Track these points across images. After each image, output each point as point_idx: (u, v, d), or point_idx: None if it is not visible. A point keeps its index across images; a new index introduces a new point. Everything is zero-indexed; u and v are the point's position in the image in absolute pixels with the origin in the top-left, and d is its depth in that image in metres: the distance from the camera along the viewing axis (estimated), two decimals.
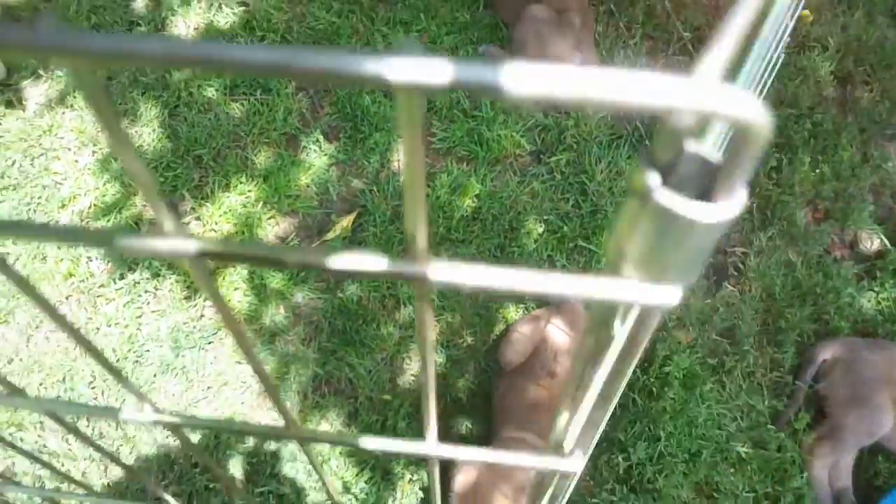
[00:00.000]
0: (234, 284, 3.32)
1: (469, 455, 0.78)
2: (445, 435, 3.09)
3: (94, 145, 3.59)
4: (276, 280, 3.32)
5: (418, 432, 3.09)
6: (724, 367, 3.21)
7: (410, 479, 3.01)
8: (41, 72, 3.74)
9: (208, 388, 3.16)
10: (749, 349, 3.22)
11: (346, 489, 2.98)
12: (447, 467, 2.79)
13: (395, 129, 3.61)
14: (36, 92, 3.74)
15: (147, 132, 3.61)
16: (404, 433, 3.04)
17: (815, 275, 3.34)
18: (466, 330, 3.26)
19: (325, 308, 3.29)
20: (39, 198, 3.47)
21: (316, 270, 0.48)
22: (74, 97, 3.69)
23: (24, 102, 3.70)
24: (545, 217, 3.47)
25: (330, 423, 3.09)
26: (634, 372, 3.17)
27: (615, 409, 3.16)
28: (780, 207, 3.48)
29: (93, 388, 3.16)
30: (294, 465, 3.02)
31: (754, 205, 3.50)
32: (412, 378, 3.19)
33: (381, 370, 3.17)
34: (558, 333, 2.97)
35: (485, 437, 3.04)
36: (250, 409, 3.13)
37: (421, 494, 3.00)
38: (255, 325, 3.24)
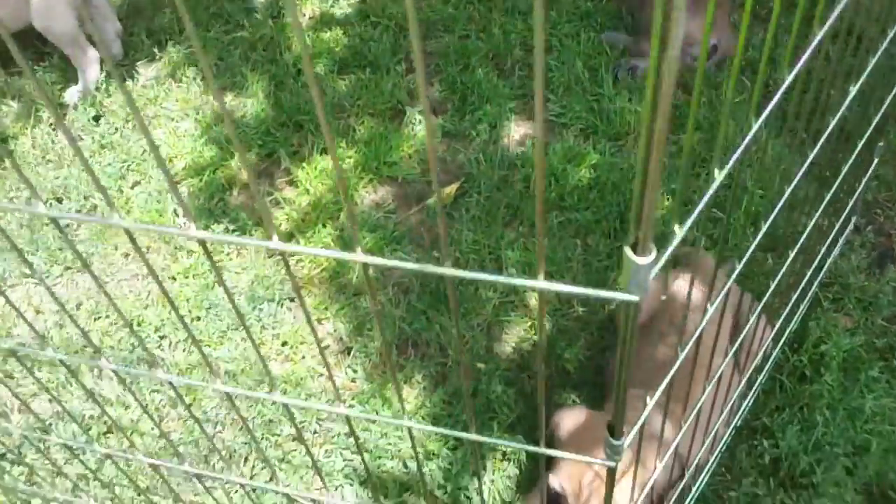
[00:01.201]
0: (324, 241, 3.34)
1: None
2: (549, 406, 2.86)
3: (197, 113, 3.85)
4: (367, 239, 3.33)
5: (515, 399, 2.88)
6: (894, 352, 2.87)
7: (505, 455, 2.77)
8: (156, 50, 4.13)
9: (283, 343, 3.11)
10: None
11: (429, 457, 2.77)
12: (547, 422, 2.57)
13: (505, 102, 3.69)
14: (148, 70, 4.10)
15: (251, 103, 3.85)
16: (499, 400, 2.84)
17: None
18: (577, 299, 3.10)
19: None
20: (136, 158, 3.70)
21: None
22: (185, 73, 4.03)
23: (136, 77, 4.06)
24: (673, 186, 3.37)
25: (413, 387, 2.94)
26: (783, 351, 2.88)
27: (758, 393, 2.86)
28: None
29: (161, 336, 3.17)
30: (369, 427, 2.85)
31: None
32: (510, 347, 3.02)
33: (476, 336, 3.03)
34: (688, 289, 2.77)
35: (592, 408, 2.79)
36: (325, 369, 3.03)
37: (514, 470, 2.75)
38: (340, 281, 3.21)
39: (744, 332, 1.89)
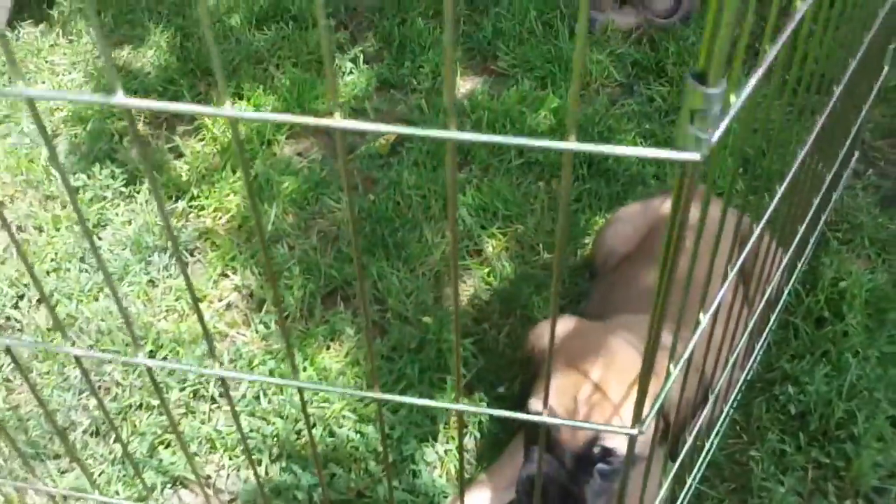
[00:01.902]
0: (232, 187, 2.76)
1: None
2: (514, 354, 2.28)
3: (87, 65, 3.30)
4: (288, 184, 2.76)
5: (474, 354, 2.29)
6: None
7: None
8: (45, 7, 3.60)
9: (177, 298, 2.46)
10: None
11: (363, 420, 2.13)
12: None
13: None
14: (37, 28, 3.56)
15: (151, 53, 3.32)
16: (452, 352, 2.25)
17: None
18: (542, 241, 2.58)
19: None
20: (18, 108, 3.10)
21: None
22: (76, 26, 3.49)
23: (17, 30, 3.50)
24: (643, 130, 2.94)
25: (343, 343, 2.32)
26: (797, 293, 2.39)
27: (769, 343, 2.34)
28: None
29: (19, 295, 2.49)
30: (282, 391, 2.21)
31: None
32: (465, 296, 2.46)
33: (423, 285, 2.45)
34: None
35: None
36: (228, 327, 2.39)
37: (477, 434, 2.13)
38: (252, 229, 2.62)
39: (746, 248, 1.41)
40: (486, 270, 2.51)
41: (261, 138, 2.92)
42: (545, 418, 1.10)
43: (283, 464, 2.03)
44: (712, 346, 1.57)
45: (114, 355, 2.35)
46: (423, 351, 2.26)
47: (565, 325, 1.84)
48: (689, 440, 1.66)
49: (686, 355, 1.26)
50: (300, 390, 1.17)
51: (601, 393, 1.68)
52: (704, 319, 1.31)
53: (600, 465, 1.69)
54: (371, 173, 2.83)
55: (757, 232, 1.44)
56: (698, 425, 1.68)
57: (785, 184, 1.51)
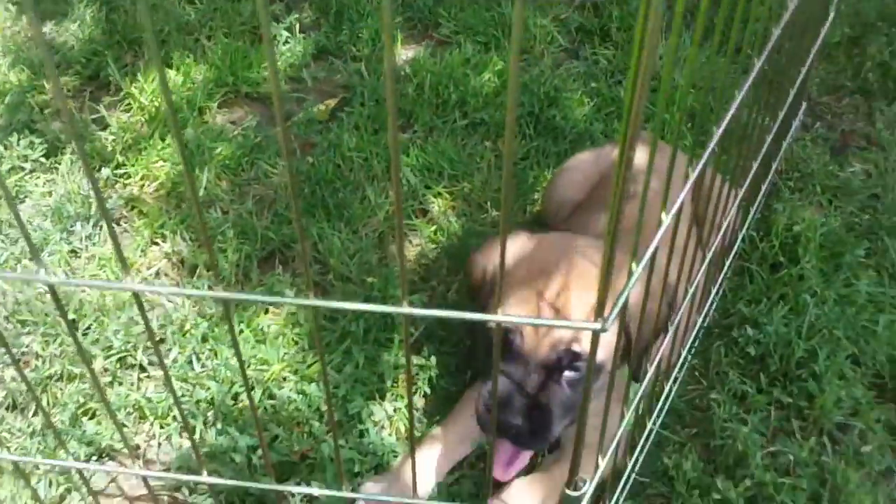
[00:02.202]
0: (160, 155, 2.62)
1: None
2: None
3: (7, 39, 3.13)
4: (221, 148, 2.63)
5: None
6: (878, 231, 2.39)
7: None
8: None
9: (101, 267, 2.31)
10: None
11: (306, 381, 2.00)
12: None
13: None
14: None
15: (74, 27, 3.17)
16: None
17: None
18: (489, 199, 2.49)
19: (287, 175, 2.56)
20: None
21: None
22: None
23: None
24: (589, 89, 2.88)
25: (280, 305, 2.19)
26: (751, 240, 2.34)
27: (724, 291, 2.28)
28: None
29: None
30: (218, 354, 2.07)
31: (870, 75, 2.93)
32: (411, 255, 2.35)
33: (366, 246, 2.34)
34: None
35: None
36: (158, 294, 2.24)
37: (426, 390, 2.02)
38: (182, 194, 2.48)
39: (691, 179, 1.33)
40: (433, 229, 2.41)
41: (192, 106, 2.79)
42: (501, 317, 1.00)
43: (220, 426, 1.89)
44: (669, 283, 1.49)
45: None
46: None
47: (519, 240, 1.75)
48: (651, 369, 1.58)
49: (648, 255, 1.18)
50: (238, 354, 1.08)
51: (565, 297, 1.59)
52: (667, 219, 1.24)
53: (567, 373, 1.60)
54: (310, 138, 2.71)
55: (699, 166, 1.35)
56: (660, 353, 1.59)
57: (724, 122, 1.43)
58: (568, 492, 1.25)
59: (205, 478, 1.37)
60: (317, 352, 2.03)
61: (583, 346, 1.55)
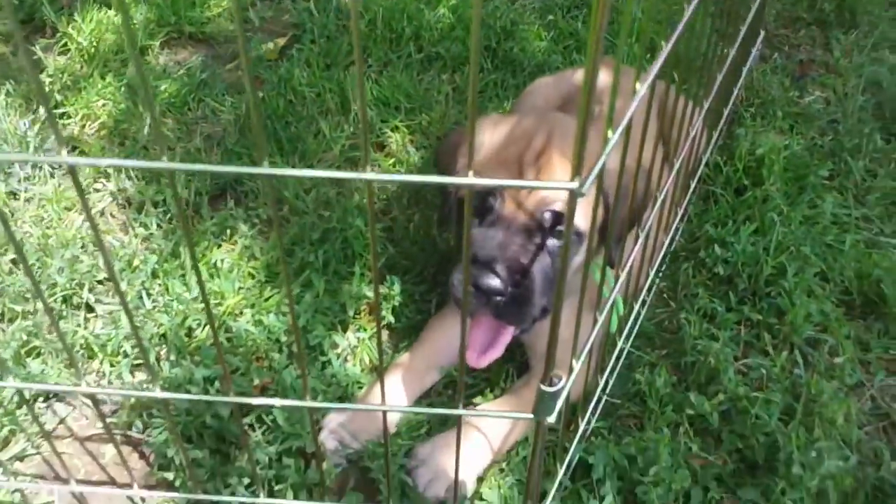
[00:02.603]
0: (101, 93, 2.49)
1: None
2: (425, 241, 2.11)
3: None
4: (165, 86, 2.52)
5: (387, 240, 2.12)
6: (840, 153, 2.38)
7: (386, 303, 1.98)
8: None
9: (41, 206, 2.19)
10: (864, 141, 2.40)
11: (262, 313, 1.92)
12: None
13: None
14: None
15: None
16: (359, 238, 2.07)
17: None
18: (449, 130, 2.42)
19: (237, 112, 2.46)
20: None
21: None
22: None
23: None
24: (546, 22, 2.82)
25: (234, 241, 2.11)
26: (716, 165, 2.31)
27: (689, 215, 2.26)
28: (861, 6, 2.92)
29: None
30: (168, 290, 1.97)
31: (826, 5, 2.93)
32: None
33: (321, 182, 2.25)
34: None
35: None
36: (104, 234, 2.14)
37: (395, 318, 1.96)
38: (126, 132, 2.37)
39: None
40: (391, 162, 2.34)
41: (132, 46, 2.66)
42: (473, 180, 0.94)
43: (174, 358, 1.80)
44: (643, 167, 1.44)
45: None
46: (326, 242, 2.07)
47: (494, 120, 1.69)
48: (624, 270, 1.53)
49: (624, 122, 1.12)
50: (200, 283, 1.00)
51: (546, 158, 1.54)
52: (642, 88, 1.18)
53: (551, 241, 1.54)
54: (259, 74, 2.61)
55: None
56: (634, 252, 1.55)
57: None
58: (543, 387, 1.19)
59: (159, 393, 1.29)
60: (274, 284, 1.96)
61: (563, 205, 1.50)
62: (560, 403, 1.25)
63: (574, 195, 0.94)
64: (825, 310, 1.97)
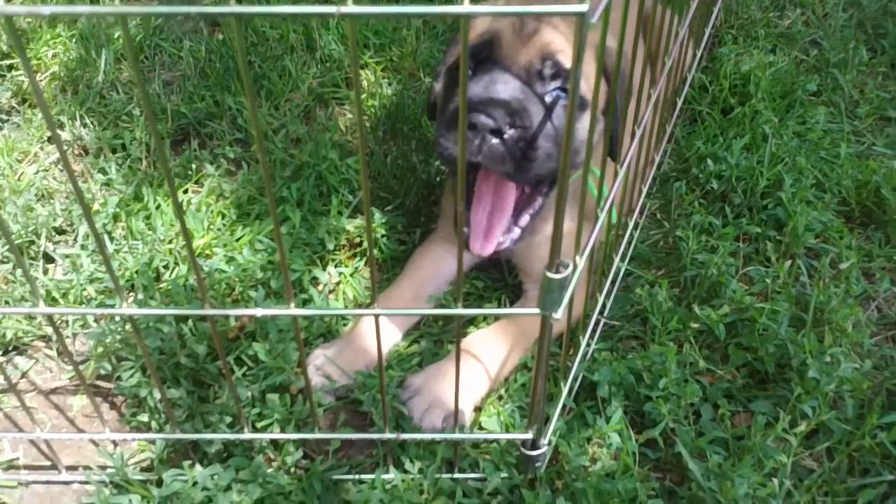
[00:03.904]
0: (51, 45, 2.34)
1: None
2: (403, 172, 2.00)
3: None
4: (119, 34, 2.38)
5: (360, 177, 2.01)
6: (827, 69, 2.31)
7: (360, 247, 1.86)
8: None
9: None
10: (850, 55, 2.33)
11: (233, 253, 1.80)
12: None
13: None
14: None
15: None
16: (336, 171, 1.95)
17: None
18: (420, 67, 2.31)
19: (195, 56, 2.33)
20: None
21: None
22: None
23: None
24: None
25: (202, 180, 1.98)
26: (700, 84, 2.23)
27: (677, 137, 2.17)
28: None
29: None
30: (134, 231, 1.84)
31: None
32: (343, 126, 2.16)
33: (290, 122, 2.13)
34: None
35: None
36: (59, 183, 2.00)
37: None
38: (81, 79, 2.23)
39: None
40: (363, 97, 2.22)
41: None
42: (467, 8, 0.83)
43: (141, 297, 1.67)
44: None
45: None
46: (299, 178, 1.95)
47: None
48: (623, 167, 1.43)
49: None
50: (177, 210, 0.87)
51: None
52: None
53: (552, 90, 1.43)
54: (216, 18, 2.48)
55: None
56: (631, 150, 1.44)
57: None
58: (549, 274, 1.09)
59: (126, 309, 1.17)
60: (246, 223, 1.84)
61: (567, 58, 1.39)
62: (567, 296, 1.14)
63: (584, 19, 0.83)
64: (824, 220, 1.89)
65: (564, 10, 0.84)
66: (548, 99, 1.42)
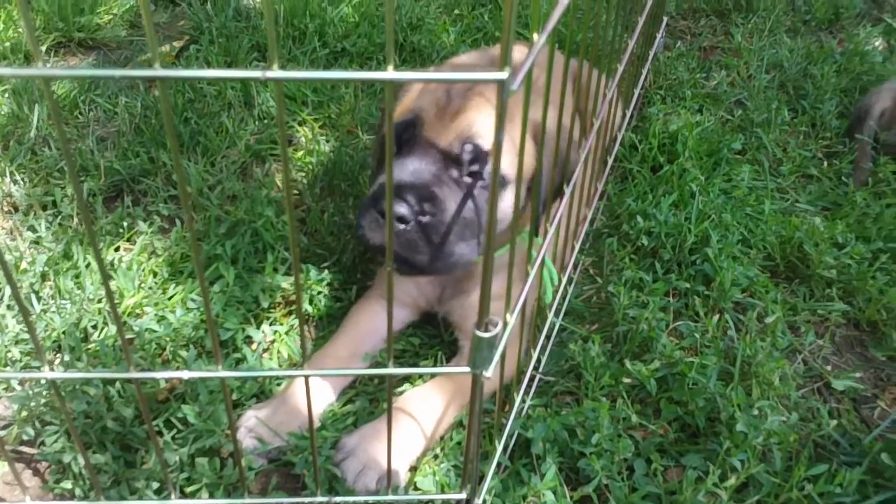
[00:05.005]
0: None
1: None
2: (340, 231, 2.00)
3: None
4: (55, 89, 2.35)
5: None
6: (751, 128, 2.40)
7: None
8: None
9: None
10: (773, 115, 2.43)
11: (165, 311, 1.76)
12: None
13: None
14: None
15: None
16: (271, 229, 1.94)
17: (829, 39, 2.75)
18: (359, 124, 2.33)
19: (130, 112, 2.31)
20: None
21: None
22: None
23: None
24: (452, 17, 2.78)
25: (134, 243, 1.94)
26: (630, 143, 2.29)
27: (609, 195, 2.22)
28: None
29: None
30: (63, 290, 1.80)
31: None
32: (280, 183, 2.15)
33: (226, 178, 2.12)
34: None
35: None
36: None
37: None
38: (12, 135, 2.19)
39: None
40: (300, 153, 2.22)
41: (16, 55, 2.49)
42: (391, 74, 0.85)
43: (68, 359, 1.62)
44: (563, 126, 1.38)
45: None
46: (234, 235, 1.93)
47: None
48: (551, 230, 1.46)
49: (550, 27, 1.06)
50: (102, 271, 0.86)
51: (473, 92, 1.47)
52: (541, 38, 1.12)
53: (475, 184, 1.45)
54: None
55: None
56: (559, 214, 1.47)
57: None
58: (479, 333, 1.10)
59: (48, 373, 1.14)
60: (178, 281, 1.81)
61: (487, 142, 1.42)
62: (497, 355, 1.15)
63: (503, 87, 0.86)
64: (750, 275, 1.94)
65: (486, 77, 0.87)
66: (475, 191, 1.45)
